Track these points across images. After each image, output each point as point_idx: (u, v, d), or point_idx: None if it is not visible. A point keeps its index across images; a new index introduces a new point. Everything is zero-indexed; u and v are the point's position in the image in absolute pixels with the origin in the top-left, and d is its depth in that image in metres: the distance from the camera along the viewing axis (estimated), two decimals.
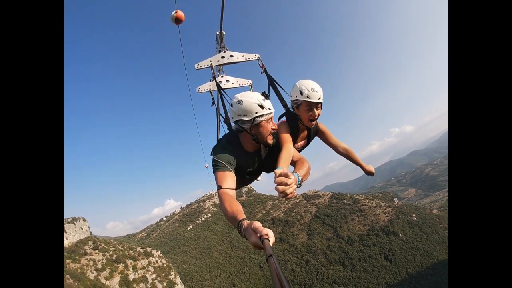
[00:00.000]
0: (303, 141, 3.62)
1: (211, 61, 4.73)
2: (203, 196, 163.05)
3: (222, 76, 5.52)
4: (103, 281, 42.49)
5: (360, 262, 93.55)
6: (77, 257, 47.73)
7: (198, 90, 5.46)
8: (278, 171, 2.00)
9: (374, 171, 4.02)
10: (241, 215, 1.91)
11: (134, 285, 43.87)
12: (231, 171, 2.57)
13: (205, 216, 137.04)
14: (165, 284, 46.03)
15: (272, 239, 1.48)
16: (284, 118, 3.43)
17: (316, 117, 3.22)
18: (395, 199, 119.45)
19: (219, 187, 2.41)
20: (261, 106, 2.58)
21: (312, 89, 3.06)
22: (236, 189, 2.68)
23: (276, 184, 1.95)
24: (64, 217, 55.33)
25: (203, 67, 4.75)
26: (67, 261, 46.22)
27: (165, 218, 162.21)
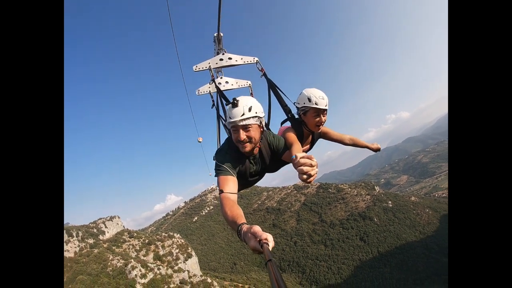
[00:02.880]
0: (307, 146, 3.70)
1: (209, 63, 4.58)
2: (205, 190, 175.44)
3: (221, 78, 5.29)
4: (142, 257, 57.35)
5: (339, 242, 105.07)
6: (119, 244, 62.36)
7: (198, 92, 5.32)
8: (298, 155, 1.99)
9: (380, 147, 4.15)
10: (241, 219, 1.88)
11: (163, 258, 57.90)
12: (233, 175, 2.55)
13: (208, 209, 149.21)
14: (185, 255, 59.77)
15: (271, 244, 1.44)
16: (288, 124, 3.55)
17: (323, 123, 3.30)
18: (376, 188, 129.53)
19: (221, 191, 2.38)
20: (229, 116, 2.55)
21: (320, 97, 3.14)
22: (239, 191, 2.78)
23: (298, 166, 1.94)
24: (103, 216, 71.85)
25: (201, 69, 4.58)
26: (113, 247, 60.51)
27: (171, 213, 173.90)
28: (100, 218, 72.39)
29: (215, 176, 2.58)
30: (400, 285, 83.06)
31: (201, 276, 57.82)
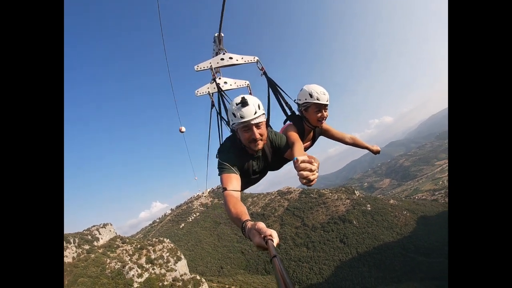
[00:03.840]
0: (308, 142, 3.70)
1: (210, 63, 4.52)
2: (191, 197, 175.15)
3: (219, 78, 5.16)
4: (135, 261, 61.05)
5: (320, 244, 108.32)
6: (113, 249, 65.70)
7: (197, 93, 5.20)
8: (300, 158, 1.95)
9: (379, 149, 4.27)
10: (245, 216, 1.86)
11: (155, 261, 61.13)
12: (235, 173, 2.52)
13: (194, 215, 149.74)
14: (175, 258, 63.10)
15: (276, 240, 1.43)
16: (289, 122, 3.49)
17: (325, 118, 3.32)
18: (356, 192, 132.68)
19: (224, 189, 2.36)
20: (234, 115, 2.52)
21: (321, 92, 3.16)
22: (242, 189, 2.76)
23: (298, 171, 1.91)
24: (96, 224, 76.10)
25: (202, 69, 4.52)
26: (108, 252, 63.99)
27: (157, 220, 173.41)
28: (94, 226, 75.58)
29: (218, 174, 2.57)
30: (378, 283, 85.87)
31: (191, 275, 62.80)
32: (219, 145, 3.49)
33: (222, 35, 4.60)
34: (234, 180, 2.45)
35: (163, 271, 61.41)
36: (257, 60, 4.37)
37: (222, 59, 4.60)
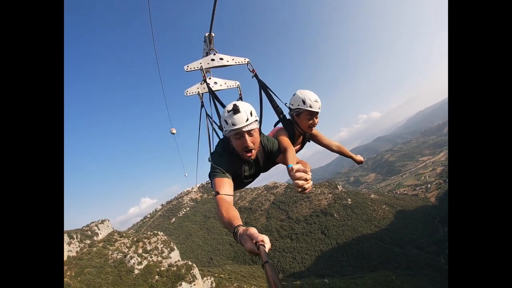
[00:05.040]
0: (298, 146, 3.71)
1: (201, 63, 4.43)
2: (181, 192, 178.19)
3: (209, 78, 5.01)
4: (133, 252, 67.42)
5: (303, 236, 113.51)
6: (112, 243, 71.73)
7: (186, 93, 5.04)
8: (294, 167, 1.97)
9: (363, 160, 4.39)
10: (237, 221, 1.85)
11: (150, 252, 67.08)
12: (228, 177, 2.50)
13: (185, 210, 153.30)
14: (169, 249, 69.32)
15: (268, 245, 1.41)
16: (280, 125, 3.50)
17: (316, 124, 3.34)
18: (339, 187, 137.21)
19: (217, 193, 2.33)
20: (226, 122, 2.50)
21: (314, 100, 3.15)
22: (235, 190, 2.67)
23: (294, 180, 1.92)
24: (95, 220, 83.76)
25: (192, 69, 4.42)
26: (108, 246, 70.07)
27: (148, 216, 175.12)
28: (93, 222, 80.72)
29: (211, 179, 2.56)
30: (355, 272, 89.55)
31: (184, 261, 69.81)
32: (208, 145, 3.85)
33: (213, 35, 4.45)
34: (226, 184, 2.43)
35: (159, 259, 68.12)
36: (248, 61, 4.34)
37: (213, 59, 4.51)
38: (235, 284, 72.53)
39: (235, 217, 1.93)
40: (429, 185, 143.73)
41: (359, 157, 4.37)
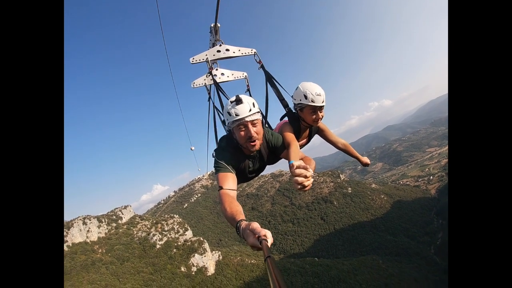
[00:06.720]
0: (304, 140, 3.61)
1: (206, 55, 4.39)
2: (193, 180, 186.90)
3: (216, 69, 5.06)
4: (154, 231, 78.84)
5: (303, 221, 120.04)
6: (134, 225, 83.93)
7: (193, 85, 5.08)
8: (295, 163, 1.94)
9: (369, 162, 4.10)
10: (240, 215, 1.84)
11: (167, 233, 78.46)
12: (231, 172, 2.49)
13: (196, 196, 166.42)
14: (183, 229, 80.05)
15: (270, 240, 1.40)
16: (286, 119, 3.40)
17: (320, 119, 3.19)
18: (341, 176, 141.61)
19: (220, 188, 2.33)
20: (229, 113, 2.47)
21: (316, 93, 3.01)
22: (239, 184, 2.68)
23: (294, 176, 1.89)
24: (118, 206, 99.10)
25: (198, 61, 4.40)
26: (131, 228, 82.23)
27: (162, 202, 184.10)
28: (117, 208, 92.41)
29: (215, 173, 2.54)
30: (348, 255, 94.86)
31: (196, 237, 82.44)
32: (213, 136, 3.93)
33: (219, 25, 4.32)
34: (230, 179, 2.43)
35: (176, 235, 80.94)
36: (255, 52, 4.28)
37: (219, 51, 4.44)
38: (238, 258, 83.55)
39: (238, 211, 1.94)
40: (431, 177, 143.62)
41: (365, 159, 4.11)
